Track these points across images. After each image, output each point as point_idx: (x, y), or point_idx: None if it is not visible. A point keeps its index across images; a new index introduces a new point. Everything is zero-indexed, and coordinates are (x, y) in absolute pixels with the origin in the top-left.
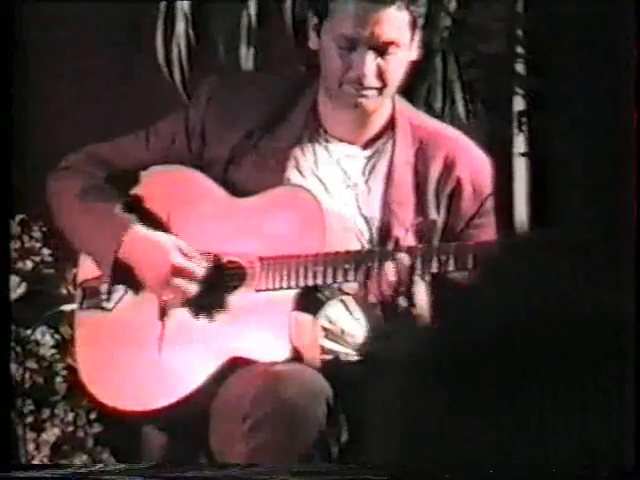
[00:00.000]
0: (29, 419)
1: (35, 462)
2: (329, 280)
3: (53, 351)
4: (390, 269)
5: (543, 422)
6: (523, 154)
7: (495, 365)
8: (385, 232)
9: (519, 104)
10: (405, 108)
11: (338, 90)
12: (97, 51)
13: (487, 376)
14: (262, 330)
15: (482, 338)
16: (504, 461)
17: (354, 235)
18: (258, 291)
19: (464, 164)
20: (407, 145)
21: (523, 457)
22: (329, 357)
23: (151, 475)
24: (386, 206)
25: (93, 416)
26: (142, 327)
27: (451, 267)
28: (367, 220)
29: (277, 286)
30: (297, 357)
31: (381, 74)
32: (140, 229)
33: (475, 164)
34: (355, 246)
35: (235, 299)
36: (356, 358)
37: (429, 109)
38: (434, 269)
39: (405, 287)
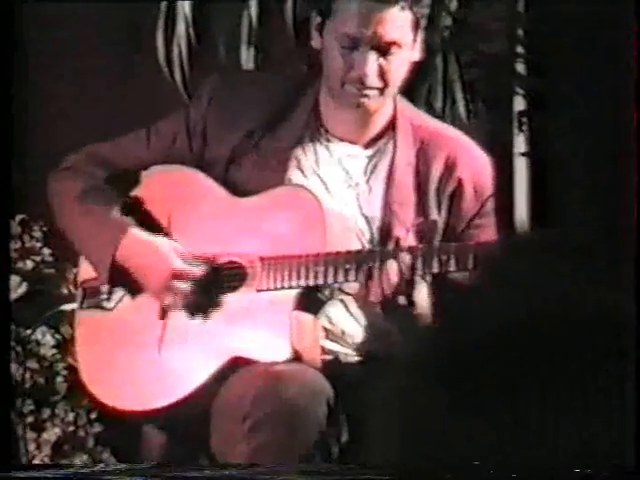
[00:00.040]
0: (29, 419)
1: (36, 462)
2: (330, 280)
3: (54, 351)
4: (391, 269)
5: (544, 422)
6: (523, 154)
7: (496, 365)
8: (386, 232)
9: (520, 104)
10: (406, 108)
11: (340, 90)
12: (97, 51)
13: (488, 376)
14: (263, 330)
15: (483, 338)
16: (504, 461)
17: (355, 235)
18: (259, 291)
19: (465, 164)
20: (408, 145)
21: (523, 457)
22: (329, 357)
23: (152, 475)
24: (387, 206)
25: (93, 416)
26: (143, 327)
27: (452, 267)
28: (368, 220)
29: (278, 286)
30: (298, 357)
31: (383, 74)
32: (138, 232)
33: (476, 164)
34: (356, 246)
35: (236, 299)
36: (356, 358)
37: (430, 109)
38: (435, 269)
39: (405, 286)
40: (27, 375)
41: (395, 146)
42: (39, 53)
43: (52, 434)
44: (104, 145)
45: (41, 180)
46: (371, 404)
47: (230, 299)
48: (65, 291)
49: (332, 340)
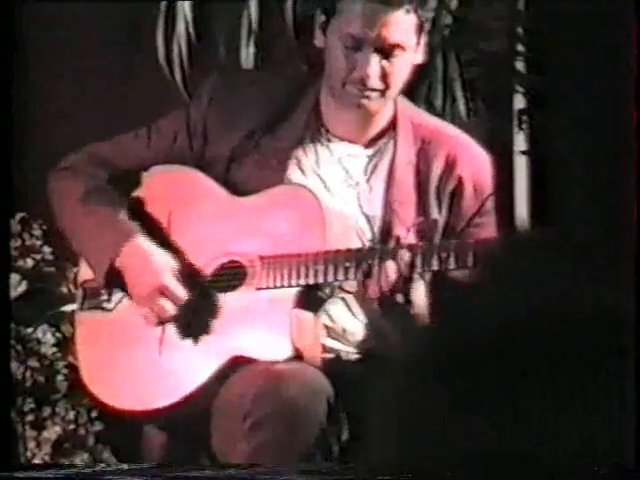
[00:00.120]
0: (30, 417)
1: (36, 460)
2: (330, 278)
3: (54, 349)
4: (389, 267)
5: (543, 420)
6: (524, 152)
7: (495, 363)
8: (386, 231)
9: (520, 102)
10: (407, 107)
11: (341, 90)
12: (97, 51)
13: (487, 374)
14: (263, 329)
15: (482, 336)
16: (504, 459)
17: (355, 234)
18: (259, 290)
19: (465, 163)
20: (409, 144)
21: (523, 455)
22: (330, 356)
23: (154, 475)
24: (387, 205)
25: (94, 414)
26: (143, 327)
27: (452, 265)
28: (368, 219)
29: (278, 285)
30: (298, 355)
31: (385, 76)
32: (142, 242)
33: (476, 163)
34: (356, 245)
35: (236, 298)
36: (357, 356)
37: (430, 107)
38: (435, 267)
39: (403, 284)
40: (27, 373)
41: (395, 145)
42: (39, 53)
43: (52, 432)
44: (104, 144)
45: (41, 179)
46: (371, 402)
47: (230, 298)
48: (65, 290)
49: (333, 338)
